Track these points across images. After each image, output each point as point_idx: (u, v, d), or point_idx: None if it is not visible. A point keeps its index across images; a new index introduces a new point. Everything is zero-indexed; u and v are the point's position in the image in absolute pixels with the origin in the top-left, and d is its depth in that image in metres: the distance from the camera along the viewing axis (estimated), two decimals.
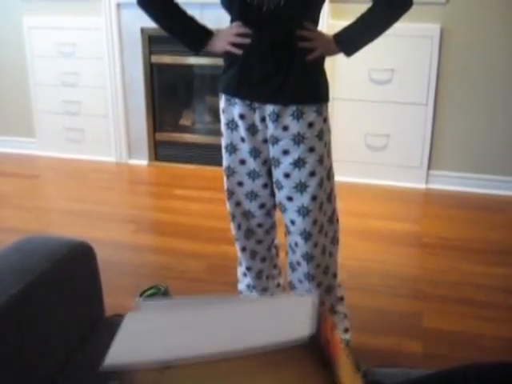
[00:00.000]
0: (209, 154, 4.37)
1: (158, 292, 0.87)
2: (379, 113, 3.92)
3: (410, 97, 3.85)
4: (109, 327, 1.62)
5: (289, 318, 0.71)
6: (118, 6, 4.16)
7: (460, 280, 2.87)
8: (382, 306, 2.67)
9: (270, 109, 1.88)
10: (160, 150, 4.50)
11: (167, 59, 4.27)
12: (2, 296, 1.30)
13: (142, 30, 4.19)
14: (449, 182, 3.95)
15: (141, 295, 0.83)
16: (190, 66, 4.38)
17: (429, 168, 3.97)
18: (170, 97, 4.55)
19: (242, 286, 2.34)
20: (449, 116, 3.86)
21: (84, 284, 1.61)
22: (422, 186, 3.98)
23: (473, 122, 3.84)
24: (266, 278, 2.26)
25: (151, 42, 4.23)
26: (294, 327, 0.68)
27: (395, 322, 2.56)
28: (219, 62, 3.56)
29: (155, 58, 4.29)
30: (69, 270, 1.52)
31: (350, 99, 3.86)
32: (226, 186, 2.08)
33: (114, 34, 4.24)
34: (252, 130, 1.94)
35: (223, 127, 2.01)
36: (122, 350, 0.77)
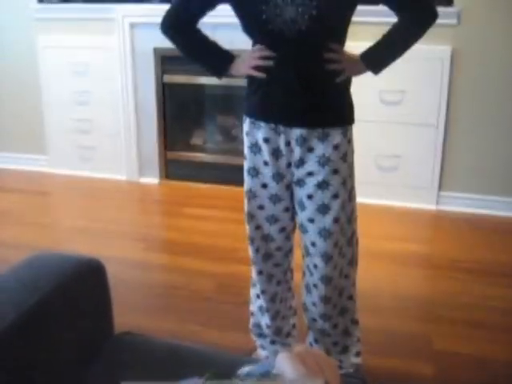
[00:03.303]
0: (220, 173, 4.38)
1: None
2: (390, 134, 3.92)
3: (420, 118, 3.85)
4: (119, 345, 1.63)
5: None
6: (132, 25, 4.21)
7: (471, 302, 2.85)
8: (393, 327, 2.65)
9: (296, 133, 1.87)
10: (171, 169, 4.51)
11: (179, 79, 4.30)
12: (12, 312, 1.30)
13: (155, 50, 4.23)
14: (459, 204, 3.93)
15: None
16: (202, 86, 4.41)
17: (439, 189, 3.96)
18: (181, 116, 4.58)
19: (254, 308, 2.33)
20: (459, 137, 3.86)
21: (94, 301, 1.60)
22: (432, 207, 3.97)
23: (483, 143, 3.83)
24: (280, 301, 2.25)
25: (163, 62, 4.26)
26: None
27: (406, 344, 2.54)
28: (231, 82, 3.58)
29: (167, 78, 4.32)
30: (79, 287, 1.52)
31: (361, 120, 3.82)
32: (246, 210, 2.06)
33: (127, 54, 4.28)
34: (276, 154, 1.93)
35: (246, 150, 2.00)
36: None
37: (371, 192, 3.98)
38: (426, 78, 3.78)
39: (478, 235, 3.59)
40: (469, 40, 3.69)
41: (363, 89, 3.76)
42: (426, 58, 3.72)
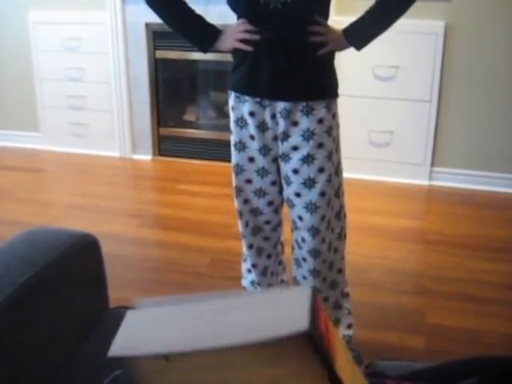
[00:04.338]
0: (213, 150, 4.38)
1: None
2: (383, 109, 3.92)
3: (413, 94, 3.85)
4: (113, 318, 1.64)
5: (285, 311, 0.73)
6: (123, 0, 4.17)
7: (463, 276, 2.88)
8: (385, 301, 2.68)
9: (281, 106, 1.87)
10: (164, 145, 4.51)
11: (172, 54, 4.28)
12: (9, 286, 1.31)
13: (147, 25, 4.20)
14: (452, 179, 3.95)
15: None
16: (195, 62, 4.38)
17: (432, 165, 3.98)
18: (174, 92, 4.56)
19: (246, 282, 2.34)
20: (453, 113, 3.87)
21: (89, 275, 1.62)
22: (425, 182, 3.99)
23: (476, 118, 3.84)
24: (271, 275, 2.27)
25: (156, 37, 4.24)
26: (290, 320, 0.70)
27: (398, 318, 2.57)
28: (224, 57, 3.57)
29: (160, 53, 4.30)
30: (75, 261, 1.53)
31: (354, 96, 3.86)
32: (234, 184, 2.07)
33: (119, 29, 4.25)
34: (262, 127, 1.94)
35: (232, 125, 2.00)
36: (126, 341, 0.80)
37: (364, 167, 4.00)
38: (419, 54, 3.77)
39: (470, 210, 3.61)
40: (462, 15, 3.68)
41: (357, 64, 3.77)
42: (419, 33, 3.71)
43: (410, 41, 3.74)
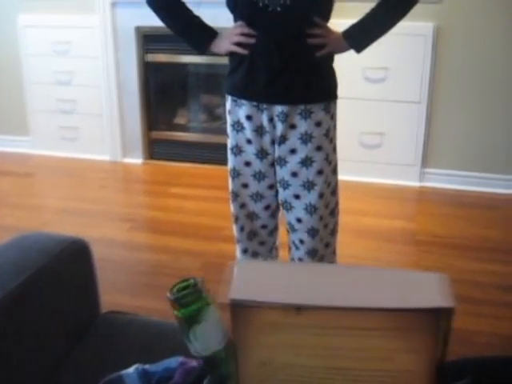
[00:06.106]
0: (203, 153, 4.37)
1: (189, 285, 0.82)
2: (373, 111, 3.92)
3: (404, 95, 3.86)
4: (105, 323, 1.64)
5: (420, 287, 0.73)
6: (113, 4, 4.15)
7: (455, 277, 2.84)
8: None
9: (278, 109, 1.86)
10: (155, 149, 4.50)
11: (162, 58, 4.27)
12: None
13: (137, 29, 4.18)
14: (443, 180, 3.96)
15: (172, 290, 0.84)
16: (185, 65, 4.38)
17: (423, 166, 3.99)
18: (164, 95, 4.55)
19: None
20: (443, 114, 3.88)
21: (80, 280, 1.61)
22: (416, 183, 4.00)
23: (467, 119, 3.85)
24: None
25: (146, 41, 4.22)
26: (425, 296, 0.69)
27: None
28: (214, 60, 3.57)
29: (150, 57, 4.29)
30: (65, 266, 1.53)
31: (345, 97, 3.80)
32: (230, 188, 2.06)
33: (109, 33, 4.24)
34: (259, 131, 1.92)
35: (229, 128, 1.99)
36: (247, 288, 0.79)
37: (355, 169, 4.00)
38: (409, 56, 3.79)
39: (461, 211, 3.62)
40: (452, 16, 3.69)
41: (346, 66, 3.76)
42: (409, 35, 3.71)
43: (400, 42, 3.74)
